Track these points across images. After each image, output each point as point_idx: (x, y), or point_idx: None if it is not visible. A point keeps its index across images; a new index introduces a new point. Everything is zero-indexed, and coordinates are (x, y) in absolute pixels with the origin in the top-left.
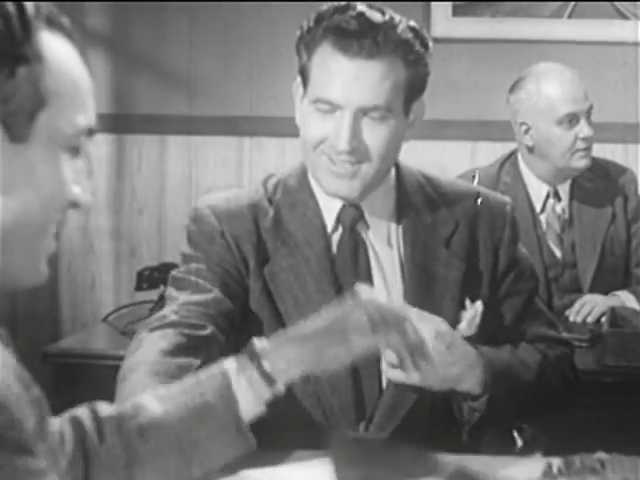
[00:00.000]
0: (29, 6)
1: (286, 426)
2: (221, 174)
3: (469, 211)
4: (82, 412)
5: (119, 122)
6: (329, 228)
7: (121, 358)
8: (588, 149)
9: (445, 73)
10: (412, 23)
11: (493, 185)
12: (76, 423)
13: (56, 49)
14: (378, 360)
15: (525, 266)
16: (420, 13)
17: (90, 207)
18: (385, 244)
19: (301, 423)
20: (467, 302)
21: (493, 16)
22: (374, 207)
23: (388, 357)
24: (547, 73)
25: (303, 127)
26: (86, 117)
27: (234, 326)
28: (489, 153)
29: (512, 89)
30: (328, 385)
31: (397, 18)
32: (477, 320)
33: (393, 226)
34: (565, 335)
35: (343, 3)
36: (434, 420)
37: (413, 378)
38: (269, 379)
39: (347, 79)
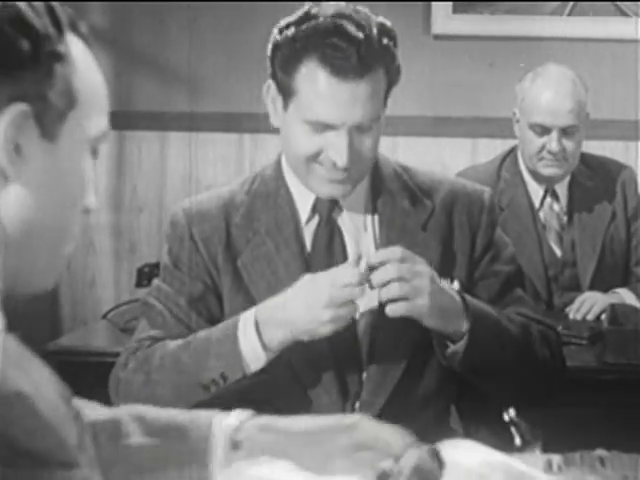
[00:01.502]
0: (57, 7)
1: (268, 406)
2: (221, 171)
3: (446, 198)
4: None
5: (119, 119)
6: (305, 217)
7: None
8: (557, 161)
9: (445, 70)
10: (380, 19)
11: (493, 182)
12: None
13: (80, 51)
14: (356, 339)
15: (502, 250)
16: (420, 11)
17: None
18: (361, 229)
19: (283, 403)
20: (443, 282)
21: (493, 14)
22: (350, 195)
23: (383, 294)
24: (544, 77)
25: (290, 139)
26: (105, 120)
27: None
28: (489, 150)
29: (521, 77)
30: (307, 365)
31: (372, 24)
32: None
33: (369, 211)
34: (565, 332)
35: (314, 11)
36: (423, 403)
37: (405, 307)
38: (237, 447)
39: (341, 101)
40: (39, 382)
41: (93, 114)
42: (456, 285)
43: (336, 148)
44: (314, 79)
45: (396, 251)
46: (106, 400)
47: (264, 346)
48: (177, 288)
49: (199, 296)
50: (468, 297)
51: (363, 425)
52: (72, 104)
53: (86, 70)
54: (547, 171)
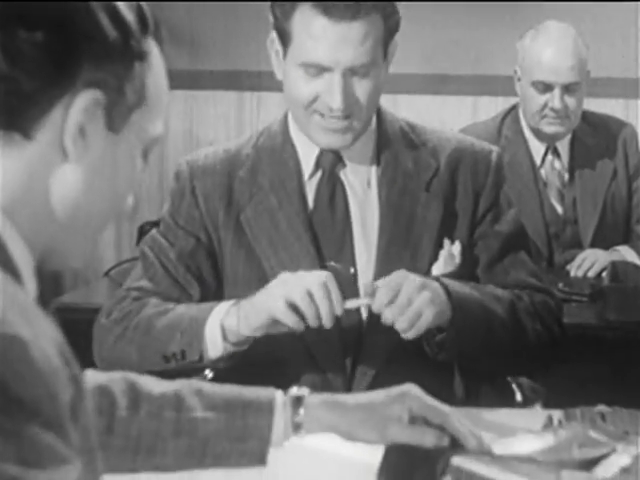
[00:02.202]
0: (146, 8)
1: (272, 366)
2: (222, 129)
3: (452, 156)
4: (116, 383)
5: None
6: (308, 171)
7: None
8: (560, 118)
9: (446, 28)
10: None
11: (494, 139)
12: (106, 393)
13: (156, 55)
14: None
15: (505, 210)
16: None
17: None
18: (365, 185)
19: (286, 362)
20: (446, 242)
21: None
22: (353, 150)
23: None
24: (545, 34)
25: (290, 87)
26: (162, 125)
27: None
28: (490, 108)
29: (521, 35)
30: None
31: None
32: (456, 260)
33: (373, 168)
34: (566, 290)
35: None
36: (424, 362)
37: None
38: (298, 428)
39: (333, 42)
40: (40, 334)
41: (154, 116)
42: (457, 246)
43: (330, 91)
44: (307, 22)
45: (397, 273)
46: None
47: (224, 335)
48: (171, 241)
49: (190, 252)
50: (451, 286)
51: (413, 393)
52: (140, 102)
53: (158, 74)
54: (550, 129)
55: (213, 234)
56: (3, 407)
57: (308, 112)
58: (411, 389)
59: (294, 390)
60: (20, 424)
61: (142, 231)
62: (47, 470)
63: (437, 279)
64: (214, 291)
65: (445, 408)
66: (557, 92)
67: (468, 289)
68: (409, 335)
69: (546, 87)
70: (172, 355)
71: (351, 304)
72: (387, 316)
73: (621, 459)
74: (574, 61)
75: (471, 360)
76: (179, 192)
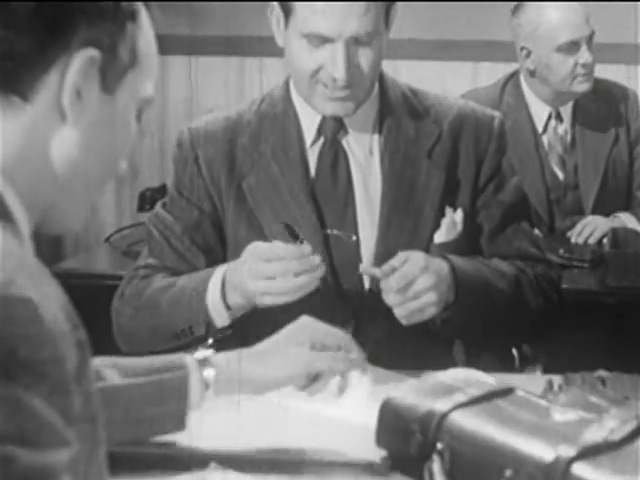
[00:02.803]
0: None
1: (272, 331)
2: (223, 95)
3: (454, 122)
4: None
5: None
6: (310, 139)
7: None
8: (589, 74)
9: None
10: None
11: (495, 105)
12: None
13: (144, 16)
14: (357, 265)
15: (507, 179)
16: None
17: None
18: (367, 152)
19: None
20: (447, 209)
21: None
22: (356, 117)
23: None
24: (541, 2)
25: (292, 57)
26: (153, 87)
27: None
28: (491, 73)
29: (514, 12)
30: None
31: None
32: (458, 228)
33: (375, 136)
34: (567, 256)
35: None
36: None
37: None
38: (206, 386)
39: (336, 12)
40: (48, 297)
41: (146, 77)
42: (459, 214)
43: (334, 62)
44: None
45: (417, 260)
46: (107, 323)
47: (227, 306)
48: (176, 215)
49: (194, 224)
50: (456, 264)
51: (308, 323)
52: (133, 63)
53: (147, 34)
54: (582, 87)
55: (217, 202)
56: (9, 370)
57: (311, 82)
58: (305, 319)
59: (199, 352)
60: (24, 392)
61: (143, 197)
62: (44, 450)
63: (445, 257)
64: (221, 260)
65: (339, 332)
66: (584, 47)
67: (474, 266)
68: (404, 323)
69: (572, 46)
70: (181, 332)
71: (364, 270)
72: (390, 300)
73: (611, 422)
74: (585, 13)
75: (473, 335)
76: (182, 160)
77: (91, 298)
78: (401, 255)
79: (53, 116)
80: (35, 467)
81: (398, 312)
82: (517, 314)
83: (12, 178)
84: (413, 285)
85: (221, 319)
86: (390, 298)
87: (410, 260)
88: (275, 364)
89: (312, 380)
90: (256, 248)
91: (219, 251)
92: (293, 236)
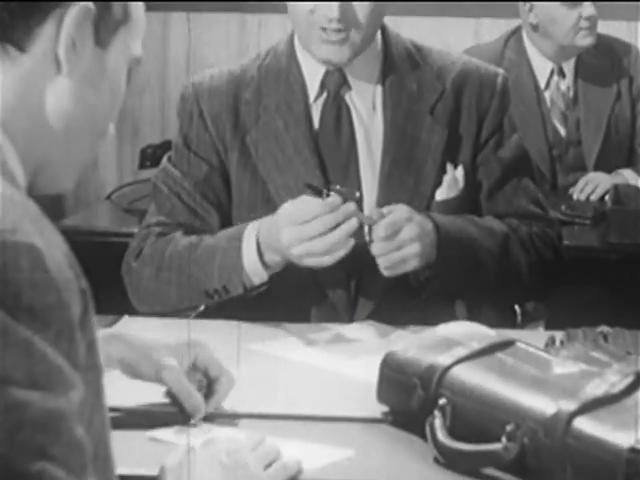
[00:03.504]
0: None
1: (273, 289)
2: (224, 52)
3: (457, 79)
4: None
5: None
6: (313, 94)
7: (124, 235)
8: (592, 27)
9: None
10: None
11: (497, 61)
12: None
13: None
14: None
15: (508, 136)
16: None
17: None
18: (369, 107)
19: (290, 286)
20: (449, 166)
21: None
22: (359, 71)
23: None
24: None
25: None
26: (141, 46)
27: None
28: (493, 30)
29: None
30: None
31: None
32: (459, 184)
33: (378, 90)
34: (569, 212)
35: None
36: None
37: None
38: None
39: None
40: (52, 244)
41: (136, 36)
42: (460, 171)
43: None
44: None
45: (403, 210)
46: (109, 279)
47: (265, 265)
48: (184, 170)
49: (204, 178)
50: (440, 222)
51: (203, 345)
52: (125, 19)
53: None
54: (585, 41)
55: (224, 155)
56: (18, 314)
57: (309, 25)
58: (201, 341)
59: None
60: (32, 335)
61: (144, 154)
62: (55, 394)
63: (429, 216)
64: (231, 215)
65: (226, 370)
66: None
67: (460, 224)
68: (386, 274)
69: None
70: (214, 291)
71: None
72: (374, 249)
73: (613, 377)
74: None
75: (457, 295)
76: (187, 115)
77: (93, 255)
78: (387, 207)
79: (48, 66)
80: (48, 410)
81: (382, 262)
82: (504, 274)
83: (7, 129)
84: (398, 235)
85: (258, 277)
86: (376, 247)
87: (396, 210)
88: (148, 362)
89: None
90: (290, 213)
91: (228, 206)
92: (317, 193)
